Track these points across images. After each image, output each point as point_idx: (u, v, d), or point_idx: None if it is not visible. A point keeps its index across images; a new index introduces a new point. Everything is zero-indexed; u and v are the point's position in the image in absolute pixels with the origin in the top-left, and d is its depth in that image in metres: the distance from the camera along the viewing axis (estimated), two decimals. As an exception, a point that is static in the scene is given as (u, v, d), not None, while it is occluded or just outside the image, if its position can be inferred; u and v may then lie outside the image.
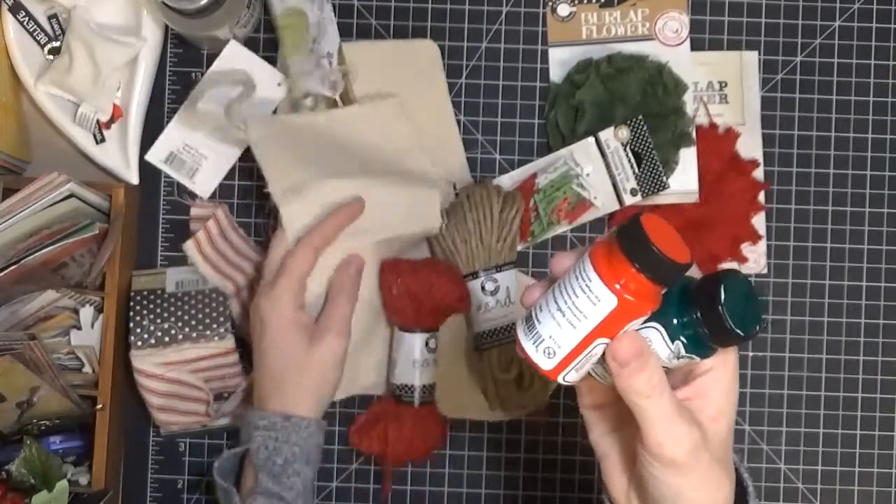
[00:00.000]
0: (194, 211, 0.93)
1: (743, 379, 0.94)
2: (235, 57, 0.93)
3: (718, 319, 0.55)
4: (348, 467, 0.95)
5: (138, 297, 0.89)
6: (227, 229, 0.92)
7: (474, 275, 0.90)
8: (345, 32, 0.95)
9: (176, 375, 0.88)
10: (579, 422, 0.84)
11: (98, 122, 0.93)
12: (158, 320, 0.88)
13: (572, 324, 0.56)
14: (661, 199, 0.93)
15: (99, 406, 0.88)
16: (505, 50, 0.95)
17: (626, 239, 0.55)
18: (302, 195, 0.85)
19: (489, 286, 0.90)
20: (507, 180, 0.94)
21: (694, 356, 0.58)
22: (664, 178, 0.91)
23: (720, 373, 0.60)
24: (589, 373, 0.59)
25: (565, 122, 0.93)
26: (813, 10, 0.96)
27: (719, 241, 0.93)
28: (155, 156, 0.94)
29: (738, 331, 0.55)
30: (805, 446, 0.95)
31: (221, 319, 0.89)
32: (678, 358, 0.58)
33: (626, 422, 0.62)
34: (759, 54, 0.95)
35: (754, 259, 0.94)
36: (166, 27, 0.93)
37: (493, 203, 0.90)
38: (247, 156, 0.94)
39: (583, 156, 0.91)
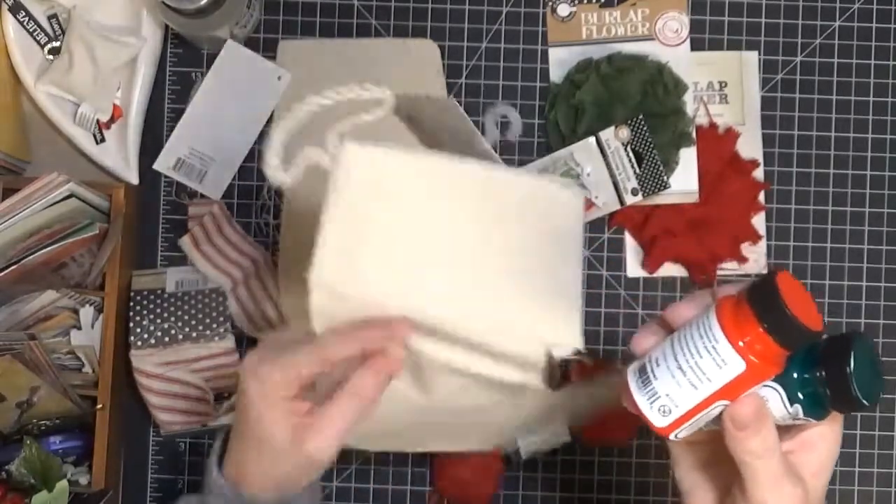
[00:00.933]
0: (192, 209, 0.93)
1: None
2: (235, 57, 0.93)
3: (846, 385, 0.53)
4: (348, 467, 0.95)
5: (138, 297, 0.89)
6: (224, 225, 0.92)
7: None
8: (345, 32, 0.95)
9: (176, 375, 0.88)
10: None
11: (98, 122, 0.93)
12: (158, 320, 0.88)
13: (693, 385, 0.54)
14: (662, 199, 0.93)
15: (99, 406, 0.88)
16: (505, 50, 0.95)
17: (758, 298, 0.52)
18: (345, 301, 0.62)
19: None
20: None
21: (810, 418, 0.56)
22: (665, 178, 0.91)
23: (827, 428, 0.59)
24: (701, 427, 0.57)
25: (565, 122, 0.93)
26: (813, 10, 0.96)
27: (720, 241, 0.93)
28: (163, 164, 0.94)
29: (864, 399, 0.53)
30: (805, 446, 0.95)
31: (221, 319, 0.89)
32: (794, 419, 0.56)
33: (719, 460, 0.60)
34: (760, 54, 0.95)
35: (754, 259, 0.94)
36: (166, 27, 0.93)
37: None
38: (247, 156, 0.94)
39: (583, 156, 0.92)
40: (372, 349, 0.63)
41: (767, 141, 0.95)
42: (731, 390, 0.53)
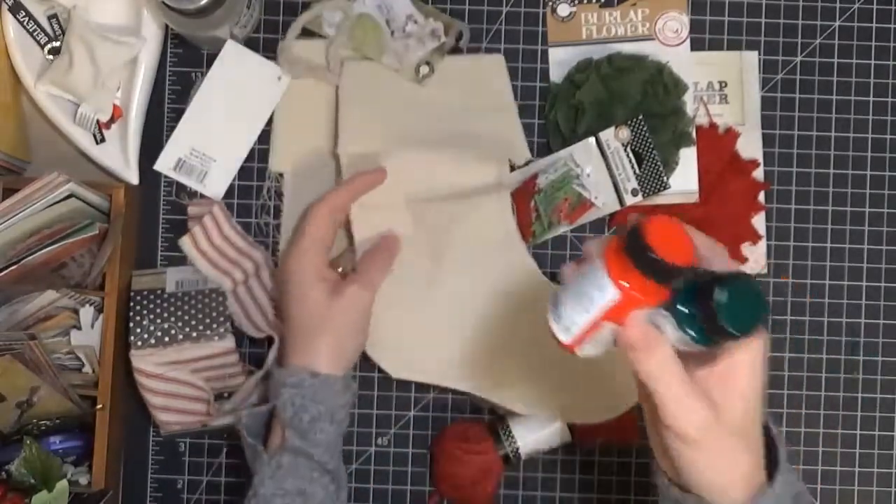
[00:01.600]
0: (192, 209, 0.93)
1: (743, 379, 0.95)
2: (235, 57, 0.93)
3: (713, 317, 0.59)
4: (348, 467, 0.94)
5: (138, 297, 0.89)
6: (224, 225, 0.92)
7: None
8: (345, 32, 0.95)
9: (176, 375, 0.88)
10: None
11: (98, 122, 0.93)
12: (158, 320, 0.88)
13: (585, 308, 0.62)
14: (662, 199, 0.93)
15: (99, 406, 0.88)
16: (505, 50, 0.95)
17: (628, 241, 0.60)
18: (366, 162, 0.89)
19: None
20: (507, 181, 0.94)
21: (702, 346, 0.61)
22: (665, 178, 0.91)
23: (740, 357, 0.63)
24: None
25: (565, 123, 0.93)
26: (813, 10, 0.96)
27: (719, 241, 0.92)
28: (164, 164, 0.94)
29: (732, 329, 0.59)
30: (805, 446, 0.95)
31: (221, 319, 0.89)
32: (694, 345, 0.62)
33: None
34: (760, 54, 0.95)
35: (754, 259, 0.94)
36: (166, 27, 0.93)
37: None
38: (247, 156, 0.94)
39: (583, 156, 0.91)
40: (353, 189, 0.87)
41: (767, 141, 0.95)
42: (615, 314, 0.61)
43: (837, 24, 0.95)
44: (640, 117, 0.90)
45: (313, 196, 0.88)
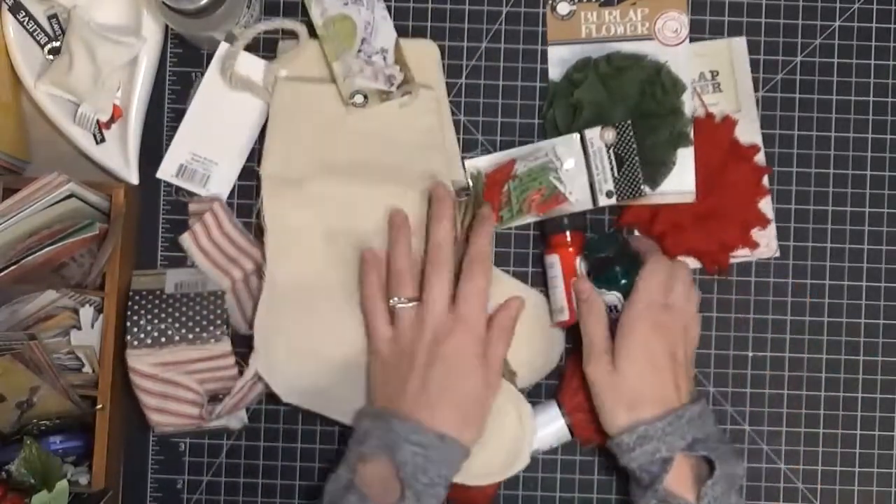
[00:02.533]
0: (192, 207, 0.93)
1: (742, 379, 0.95)
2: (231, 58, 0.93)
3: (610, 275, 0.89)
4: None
5: (136, 297, 0.89)
6: (225, 223, 0.92)
7: None
8: (345, 32, 0.95)
9: (170, 377, 0.88)
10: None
11: (98, 122, 0.93)
12: (156, 321, 0.88)
13: (556, 286, 0.92)
14: (658, 199, 0.92)
15: (99, 406, 0.88)
16: (505, 50, 0.95)
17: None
18: (288, 187, 0.90)
19: None
20: (485, 162, 0.94)
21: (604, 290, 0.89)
22: (642, 186, 0.91)
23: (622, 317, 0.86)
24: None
25: (563, 121, 0.92)
26: (813, 10, 0.95)
27: (729, 230, 0.92)
28: (166, 171, 0.94)
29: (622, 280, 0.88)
30: (805, 446, 0.95)
31: (219, 322, 0.88)
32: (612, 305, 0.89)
33: None
34: (760, 54, 0.95)
35: (765, 243, 0.94)
36: (166, 27, 0.93)
37: (456, 214, 0.90)
38: (249, 156, 0.94)
39: (565, 150, 0.91)
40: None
41: (767, 141, 0.95)
42: (568, 271, 0.91)
43: (837, 24, 0.95)
44: (629, 122, 0.90)
45: (293, 205, 0.90)
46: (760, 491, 0.94)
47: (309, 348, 0.90)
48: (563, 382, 0.92)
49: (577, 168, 0.91)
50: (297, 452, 0.95)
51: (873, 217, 0.95)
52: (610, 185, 0.91)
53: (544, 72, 0.95)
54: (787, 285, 0.95)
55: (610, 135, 0.90)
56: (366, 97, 0.91)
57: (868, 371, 0.95)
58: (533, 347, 0.93)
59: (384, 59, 0.91)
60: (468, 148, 0.95)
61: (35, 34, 0.92)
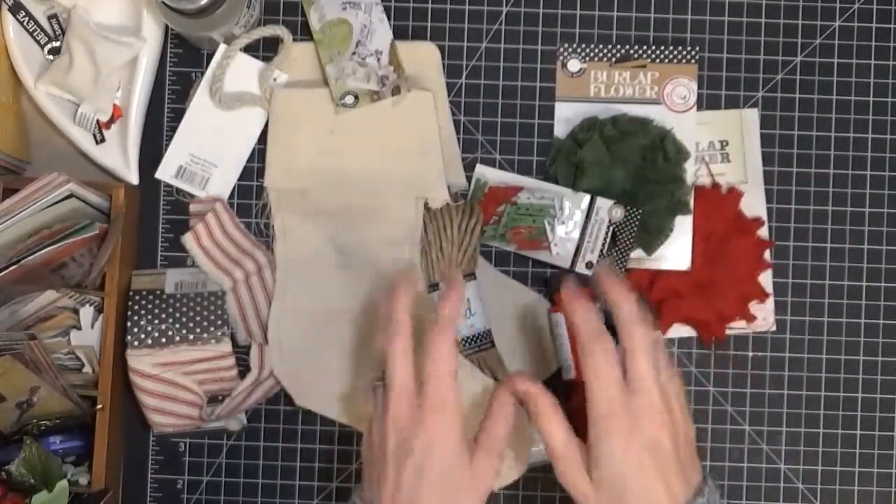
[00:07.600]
0: (193, 207, 0.93)
1: (743, 379, 0.95)
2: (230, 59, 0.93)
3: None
4: (348, 467, 0.95)
5: (136, 297, 0.89)
6: (227, 223, 0.92)
7: (435, 286, 0.90)
8: (345, 32, 0.95)
9: (170, 377, 0.88)
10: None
11: (98, 122, 0.93)
12: (156, 321, 0.88)
13: (562, 344, 0.90)
14: (653, 264, 0.92)
15: (99, 406, 0.89)
16: (505, 50, 0.95)
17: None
18: (292, 198, 0.91)
19: None
20: (495, 175, 0.94)
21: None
22: (624, 273, 0.91)
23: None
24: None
25: (565, 179, 0.92)
26: (813, 10, 0.96)
27: (728, 302, 0.92)
28: (165, 173, 0.94)
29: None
30: (805, 446, 0.95)
31: (219, 323, 0.88)
32: None
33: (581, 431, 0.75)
34: (760, 54, 0.95)
35: (763, 317, 0.94)
36: (166, 27, 0.93)
37: (453, 214, 0.90)
38: (249, 158, 0.94)
39: (571, 205, 0.91)
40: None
41: (767, 141, 0.95)
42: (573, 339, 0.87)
43: (837, 24, 0.95)
44: (639, 211, 0.90)
45: (301, 218, 0.91)
46: (760, 491, 0.94)
47: (320, 355, 0.91)
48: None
49: (574, 226, 0.91)
50: (297, 452, 0.95)
51: (873, 217, 0.95)
52: (593, 258, 0.90)
53: (544, 72, 0.95)
54: (787, 286, 0.95)
55: (619, 213, 0.89)
56: (356, 97, 0.91)
57: (868, 371, 0.95)
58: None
59: (378, 60, 0.91)
60: (468, 148, 0.95)
61: (35, 34, 0.92)
